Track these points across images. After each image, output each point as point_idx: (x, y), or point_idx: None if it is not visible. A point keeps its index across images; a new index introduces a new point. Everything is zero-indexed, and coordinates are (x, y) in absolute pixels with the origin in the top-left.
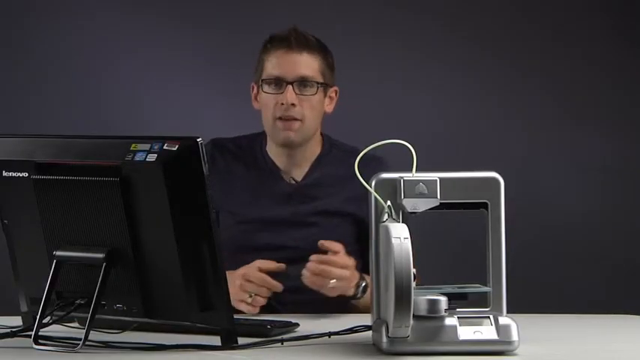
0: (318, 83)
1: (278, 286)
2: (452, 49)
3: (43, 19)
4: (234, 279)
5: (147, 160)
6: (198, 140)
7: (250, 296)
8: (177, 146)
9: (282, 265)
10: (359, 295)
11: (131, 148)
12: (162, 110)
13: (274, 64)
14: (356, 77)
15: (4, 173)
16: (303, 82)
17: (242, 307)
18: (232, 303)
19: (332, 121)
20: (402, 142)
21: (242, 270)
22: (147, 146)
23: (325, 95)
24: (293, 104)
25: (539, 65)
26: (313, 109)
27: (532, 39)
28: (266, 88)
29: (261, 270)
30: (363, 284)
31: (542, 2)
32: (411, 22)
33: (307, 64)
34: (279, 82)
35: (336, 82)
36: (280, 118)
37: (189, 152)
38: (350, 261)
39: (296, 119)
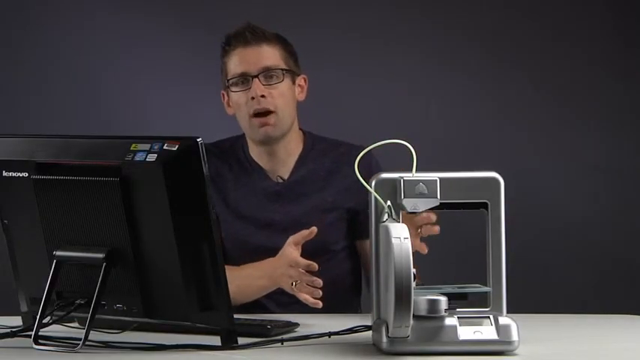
0: (282, 70)
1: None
2: (452, 48)
3: (43, 19)
4: (277, 267)
5: (147, 160)
6: (198, 140)
7: (293, 284)
8: (177, 146)
9: (315, 265)
10: None
11: (131, 148)
12: (162, 110)
13: (236, 62)
14: (356, 77)
15: (4, 173)
16: (268, 73)
17: (300, 296)
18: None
19: (332, 121)
20: (402, 142)
21: (284, 259)
22: (147, 146)
23: (294, 83)
24: (263, 96)
25: (539, 65)
26: (284, 97)
27: (532, 39)
28: (234, 87)
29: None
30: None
31: (542, 2)
32: (411, 22)
33: (268, 55)
34: (245, 78)
35: (336, 82)
36: (255, 115)
37: (189, 152)
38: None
39: (269, 111)
